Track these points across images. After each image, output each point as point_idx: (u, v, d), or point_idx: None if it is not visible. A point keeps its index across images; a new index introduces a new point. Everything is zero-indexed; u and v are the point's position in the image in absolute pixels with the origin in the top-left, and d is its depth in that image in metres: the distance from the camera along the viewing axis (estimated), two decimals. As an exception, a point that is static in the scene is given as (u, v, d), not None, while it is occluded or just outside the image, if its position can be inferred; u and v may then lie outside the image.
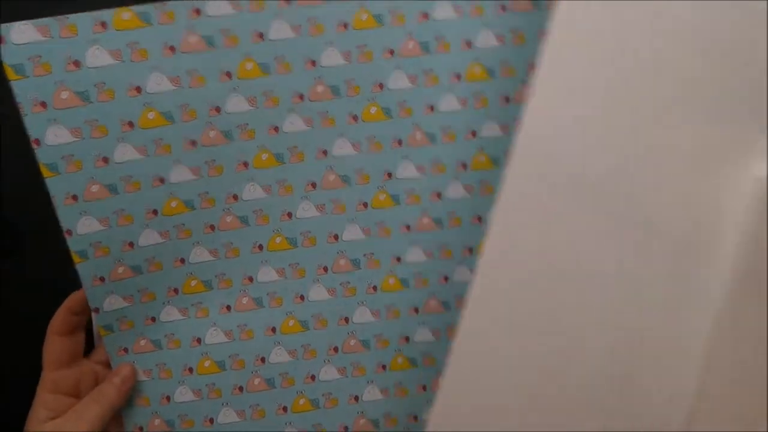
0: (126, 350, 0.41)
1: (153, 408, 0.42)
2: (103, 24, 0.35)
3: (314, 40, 0.37)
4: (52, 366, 0.40)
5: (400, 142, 0.40)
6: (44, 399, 0.39)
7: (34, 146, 0.36)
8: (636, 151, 0.35)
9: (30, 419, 0.39)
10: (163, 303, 0.41)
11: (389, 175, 0.40)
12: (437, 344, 0.43)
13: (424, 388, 0.44)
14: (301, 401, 0.43)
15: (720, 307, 0.35)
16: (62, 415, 0.39)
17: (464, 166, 0.40)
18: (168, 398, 0.42)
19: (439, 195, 0.41)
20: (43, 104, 0.35)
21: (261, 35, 0.37)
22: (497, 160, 0.40)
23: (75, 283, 0.41)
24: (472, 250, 0.42)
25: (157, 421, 0.42)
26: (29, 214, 0.41)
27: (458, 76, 0.39)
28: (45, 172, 0.36)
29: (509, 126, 0.40)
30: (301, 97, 0.38)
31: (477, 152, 0.40)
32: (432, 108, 0.39)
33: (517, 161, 0.34)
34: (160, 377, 0.42)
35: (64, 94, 0.35)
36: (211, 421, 0.43)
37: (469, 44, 0.39)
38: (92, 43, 0.35)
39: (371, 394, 0.43)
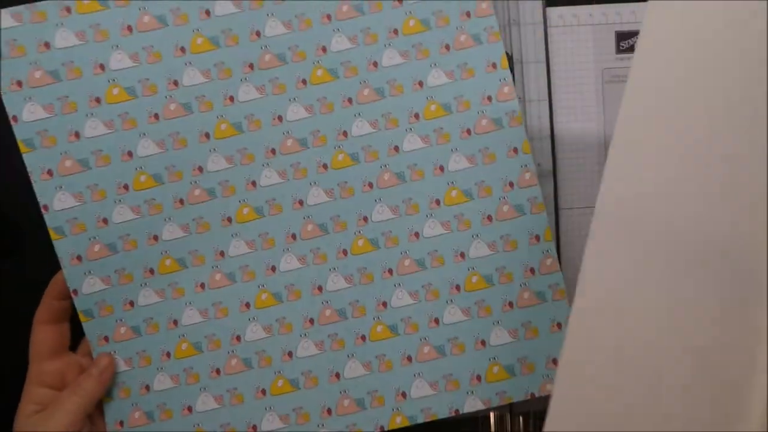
0: (107, 339, 0.41)
1: (133, 399, 0.41)
2: (68, 9, 0.40)
3: (257, 13, 0.41)
4: (38, 357, 0.40)
5: (350, 101, 0.41)
6: (30, 392, 0.40)
7: (13, 123, 0.40)
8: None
9: (18, 413, 0.39)
10: (141, 285, 0.41)
11: (345, 134, 0.41)
12: (417, 306, 0.41)
13: (409, 358, 0.40)
14: (280, 382, 0.41)
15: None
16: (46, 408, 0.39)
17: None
18: (147, 387, 0.41)
19: (396, 148, 0.41)
20: (19, 83, 0.40)
21: (207, 12, 0.41)
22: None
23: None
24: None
25: (137, 414, 0.41)
26: (29, 214, 0.44)
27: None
28: (22, 147, 0.40)
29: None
30: (251, 66, 0.41)
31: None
32: (376, 64, 0.41)
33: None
34: (139, 366, 0.41)
35: (38, 74, 0.40)
36: (190, 409, 0.41)
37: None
38: (59, 27, 0.40)
39: (353, 369, 0.40)
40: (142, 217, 0.41)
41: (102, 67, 0.41)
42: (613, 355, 0.31)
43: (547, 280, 0.41)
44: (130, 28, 0.41)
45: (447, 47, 0.41)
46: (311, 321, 0.41)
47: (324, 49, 0.41)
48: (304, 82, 0.41)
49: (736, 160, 0.29)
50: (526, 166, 0.41)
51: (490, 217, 0.41)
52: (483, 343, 0.41)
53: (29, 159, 0.40)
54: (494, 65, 0.41)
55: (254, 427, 0.41)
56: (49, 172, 0.40)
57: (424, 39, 0.41)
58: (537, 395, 0.41)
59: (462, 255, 0.41)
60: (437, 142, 0.41)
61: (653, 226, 0.31)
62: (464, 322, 0.41)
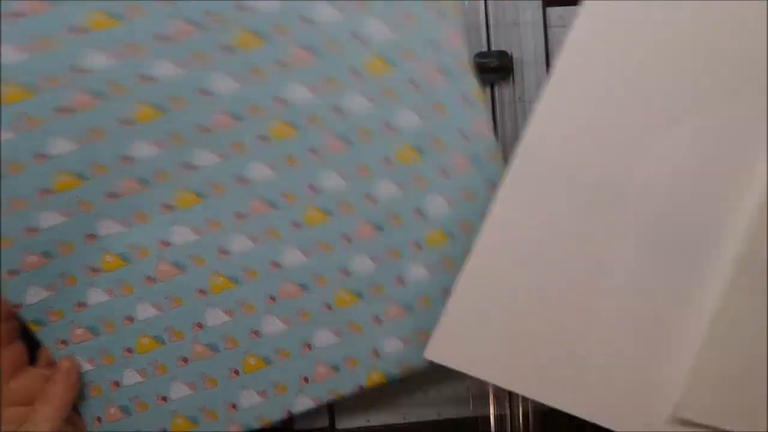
0: (65, 342, 0.40)
1: (105, 396, 0.40)
2: None
3: None
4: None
5: (284, 65, 0.37)
6: (3, 415, 0.38)
7: None
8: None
9: None
10: (86, 285, 0.39)
11: (283, 102, 0.38)
12: (379, 271, 0.40)
13: (378, 319, 0.41)
14: (252, 360, 0.41)
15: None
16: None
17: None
18: (117, 383, 0.40)
19: (337, 109, 0.38)
20: None
21: None
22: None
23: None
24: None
25: (112, 410, 0.41)
26: None
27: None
28: None
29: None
30: (163, 38, 0.36)
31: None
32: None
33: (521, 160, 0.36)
34: (102, 364, 0.40)
35: None
36: (165, 399, 0.41)
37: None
38: None
39: (323, 337, 0.41)
40: (73, 217, 0.38)
41: None
42: (509, 292, 0.37)
43: None
44: (16, 15, 0.35)
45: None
46: (272, 298, 0.40)
47: (245, 9, 0.37)
48: (226, 48, 0.37)
49: (648, 119, 0.36)
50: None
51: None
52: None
53: None
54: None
55: (233, 405, 0.41)
56: None
57: None
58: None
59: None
60: (384, 96, 0.38)
61: (565, 172, 0.36)
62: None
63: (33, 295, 0.38)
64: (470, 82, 0.39)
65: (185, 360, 0.40)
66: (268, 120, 0.38)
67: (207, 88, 0.37)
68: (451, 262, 0.40)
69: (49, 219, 0.38)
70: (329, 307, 0.40)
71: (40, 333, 0.39)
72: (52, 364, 0.40)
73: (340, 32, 0.37)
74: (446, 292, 0.37)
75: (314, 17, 0.37)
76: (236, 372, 0.40)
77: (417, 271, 0.40)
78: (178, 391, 0.40)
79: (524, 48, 0.44)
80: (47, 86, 0.36)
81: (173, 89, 0.37)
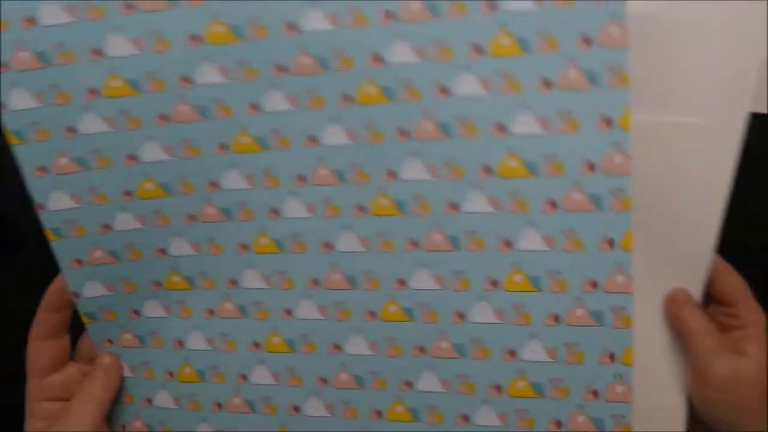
0: (111, 341, 0.38)
1: (136, 407, 0.38)
2: None
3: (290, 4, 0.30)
4: (39, 374, 0.37)
5: (405, 134, 0.31)
6: (35, 408, 0.37)
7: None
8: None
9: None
10: (146, 296, 0.36)
11: (392, 175, 0.32)
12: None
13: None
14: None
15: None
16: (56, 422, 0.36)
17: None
18: (149, 400, 0.38)
19: (455, 207, 0.31)
20: (6, 65, 0.33)
21: None
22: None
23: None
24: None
25: (138, 423, 0.38)
26: (29, 214, 0.40)
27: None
28: (11, 139, 0.34)
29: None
30: (283, 69, 0.31)
31: None
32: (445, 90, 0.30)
33: None
34: (143, 376, 0.38)
35: (23, 54, 0.32)
36: (190, 435, 0.38)
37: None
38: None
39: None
40: (147, 227, 0.35)
41: (99, 53, 0.32)
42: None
43: None
44: (131, 7, 0.31)
45: (547, 84, 0.29)
46: (323, 381, 0.35)
47: (379, 59, 0.30)
48: (348, 99, 0.31)
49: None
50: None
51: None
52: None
53: (20, 152, 0.34)
54: (608, 122, 0.29)
55: None
56: (43, 169, 0.34)
57: (516, 66, 0.29)
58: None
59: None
60: (510, 209, 0.31)
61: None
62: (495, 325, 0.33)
63: (91, 290, 0.36)
64: (621, 102, 0.29)
65: (220, 406, 0.37)
66: (372, 192, 0.32)
67: (316, 136, 0.32)
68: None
69: (125, 222, 0.35)
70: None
71: (91, 327, 0.37)
72: (91, 360, 0.38)
73: (481, 115, 0.30)
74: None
75: (454, 89, 0.30)
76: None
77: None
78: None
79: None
80: (152, 89, 0.32)
81: (280, 126, 0.32)
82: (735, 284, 0.34)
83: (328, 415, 0.35)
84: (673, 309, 0.34)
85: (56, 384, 0.37)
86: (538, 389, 0.32)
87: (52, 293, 0.37)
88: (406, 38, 0.30)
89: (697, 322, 0.33)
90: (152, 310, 0.37)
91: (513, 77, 0.29)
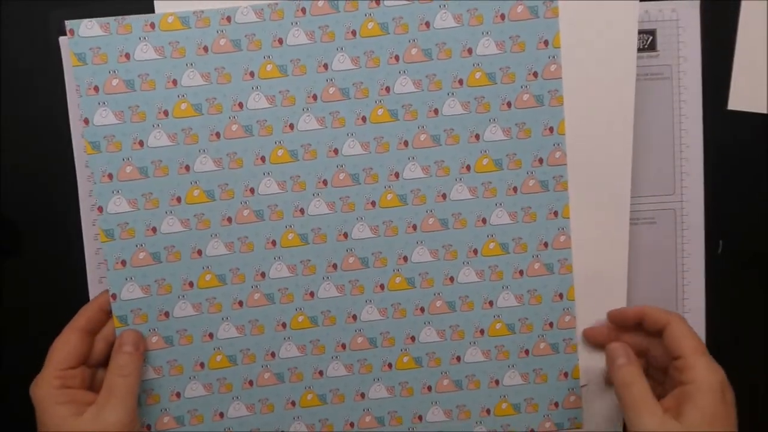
0: (139, 344, 0.43)
1: (162, 405, 0.43)
2: (152, 25, 0.40)
3: (326, 46, 0.41)
4: (62, 363, 0.39)
5: (406, 144, 0.42)
6: (56, 396, 0.38)
7: (83, 125, 0.40)
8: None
9: (49, 421, 0.38)
10: (178, 297, 0.42)
11: (397, 175, 0.43)
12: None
13: (422, 309, 0.44)
14: (309, 396, 0.44)
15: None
16: (87, 408, 0.38)
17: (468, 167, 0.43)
18: (178, 394, 0.43)
19: (444, 196, 0.43)
20: (96, 89, 0.40)
21: (280, 41, 0.40)
22: (499, 162, 0.43)
23: (74, 283, 0.44)
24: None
25: (166, 419, 0.43)
26: (29, 214, 0.44)
27: (461, 81, 0.42)
28: (88, 149, 0.40)
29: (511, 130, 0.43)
30: (315, 97, 0.41)
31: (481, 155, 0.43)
32: (436, 111, 0.42)
33: None
34: (170, 374, 0.43)
35: (114, 82, 0.40)
36: (221, 415, 0.43)
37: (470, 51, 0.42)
38: (141, 40, 0.40)
39: (377, 391, 0.44)
40: (190, 230, 0.42)
41: (174, 82, 0.40)
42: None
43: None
44: (206, 49, 0.40)
45: (509, 104, 0.42)
46: (343, 346, 0.44)
47: (388, 89, 0.42)
48: (363, 119, 0.42)
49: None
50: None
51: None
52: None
53: (92, 161, 0.41)
54: (551, 129, 0.43)
55: None
56: (110, 176, 0.41)
57: (486, 93, 0.42)
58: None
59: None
60: (484, 195, 0.43)
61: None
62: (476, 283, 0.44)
63: (129, 291, 0.42)
64: (558, 115, 0.43)
65: (251, 383, 0.43)
66: (381, 190, 0.43)
67: (337, 149, 0.42)
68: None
69: (170, 225, 0.41)
70: (390, 365, 0.44)
71: (120, 331, 0.42)
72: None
73: (463, 128, 0.43)
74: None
75: (443, 110, 0.42)
76: (293, 403, 0.44)
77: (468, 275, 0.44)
78: (237, 410, 0.43)
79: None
80: (211, 112, 0.41)
81: (309, 141, 0.42)
82: (687, 339, 0.38)
83: (347, 373, 0.44)
84: (609, 362, 0.40)
85: (76, 375, 0.39)
86: (511, 328, 0.45)
87: (107, 296, 0.41)
88: (406, 74, 0.42)
89: (630, 373, 0.38)
90: (181, 310, 0.43)
91: (484, 101, 0.42)
